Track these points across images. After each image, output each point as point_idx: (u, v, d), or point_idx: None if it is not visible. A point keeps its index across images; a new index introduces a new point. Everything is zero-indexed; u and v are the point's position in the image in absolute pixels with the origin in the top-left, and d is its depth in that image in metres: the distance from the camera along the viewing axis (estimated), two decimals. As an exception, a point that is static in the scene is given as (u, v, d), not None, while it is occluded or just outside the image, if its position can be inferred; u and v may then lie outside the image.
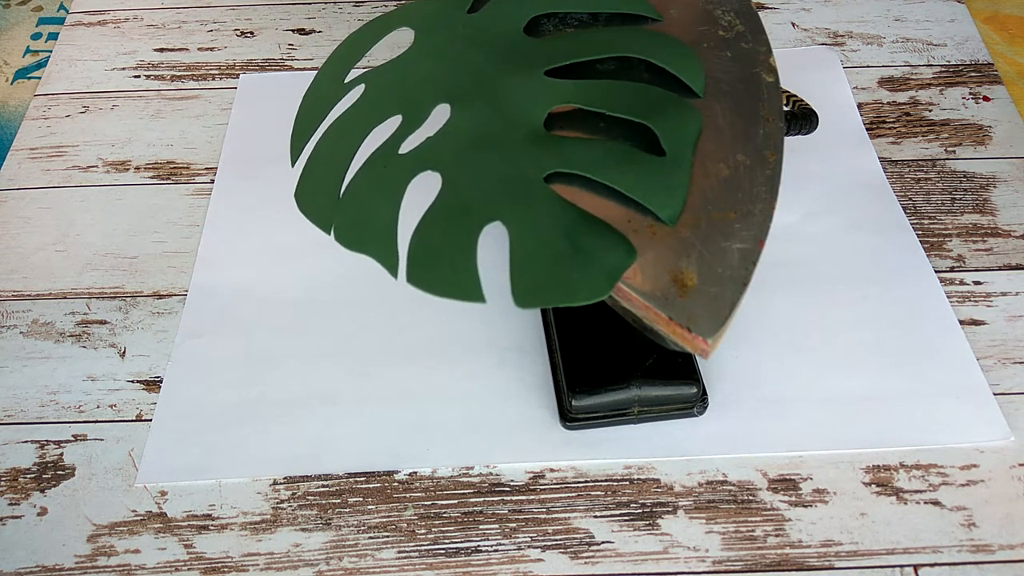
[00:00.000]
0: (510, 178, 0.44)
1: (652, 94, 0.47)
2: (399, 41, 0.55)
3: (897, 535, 0.49)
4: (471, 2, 0.53)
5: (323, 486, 0.52)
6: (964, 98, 0.71)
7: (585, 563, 0.48)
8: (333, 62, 0.54)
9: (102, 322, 0.59)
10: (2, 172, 0.68)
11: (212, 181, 0.67)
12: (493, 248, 0.45)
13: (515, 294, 0.41)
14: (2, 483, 0.52)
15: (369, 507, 0.51)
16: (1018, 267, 0.60)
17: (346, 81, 0.52)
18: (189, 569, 0.49)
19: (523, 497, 0.51)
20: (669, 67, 0.48)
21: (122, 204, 0.66)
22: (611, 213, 0.43)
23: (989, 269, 0.60)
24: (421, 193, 0.45)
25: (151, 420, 0.54)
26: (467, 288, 0.41)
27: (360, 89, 0.51)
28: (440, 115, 0.48)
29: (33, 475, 0.52)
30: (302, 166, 0.49)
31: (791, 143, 0.67)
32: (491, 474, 0.52)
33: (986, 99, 0.71)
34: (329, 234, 0.46)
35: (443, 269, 0.42)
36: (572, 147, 0.45)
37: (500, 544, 0.49)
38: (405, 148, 0.47)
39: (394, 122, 0.49)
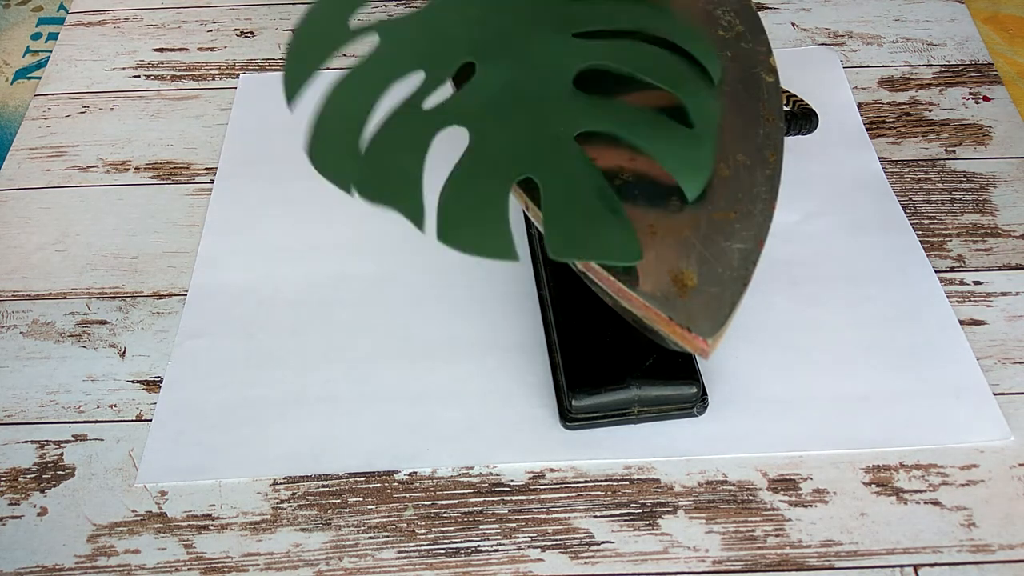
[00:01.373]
0: (540, 135, 0.44)
1: (681, 67, 0.46)
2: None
3: (897, 535, 0.49)
4: None
5: (323, 486, 0.52)
6: (964, 98, 0.71)
7: (585, 563, 0.48)
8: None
9: (102, 322, 0.59)
10: (2, 172, 0.68)
11: (212, 181, 0.67)
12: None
13: (550, 244, 0.40)
14: (2, 483, 0.52)
15: (369, 507, 0.51)
16: (1018, 267, 0.60)
17: (351, 26, 0.50)
18: (189, 569, 0.49)
19: (523, 497, 0.51)
20: (690, 49, 0.47)
21: (122, 204, 0.66)
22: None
23: (989, 269, 0.60)
24: (447, 150, 0.44)
25: (151, 420, 0.54)
26: (500, 246, 0.40)
27: (373, 41, 0.50)
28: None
29: (33, 475, 0.52)
30: (313, 122, 0.47)
31: (791, 143, 0.67)
32: (491, 474, 0.52)
33: (986, 99, 0.71)
34: (350, 192, 0.44)
35: (475, 227, 0.41)
36: (603, 106, 0.45)
37: (500, 544, 0.49)
38: (428, 104, 0.46)
39: (415, 78, 0.47)
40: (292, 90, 0.48)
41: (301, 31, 0.50)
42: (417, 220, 0.42)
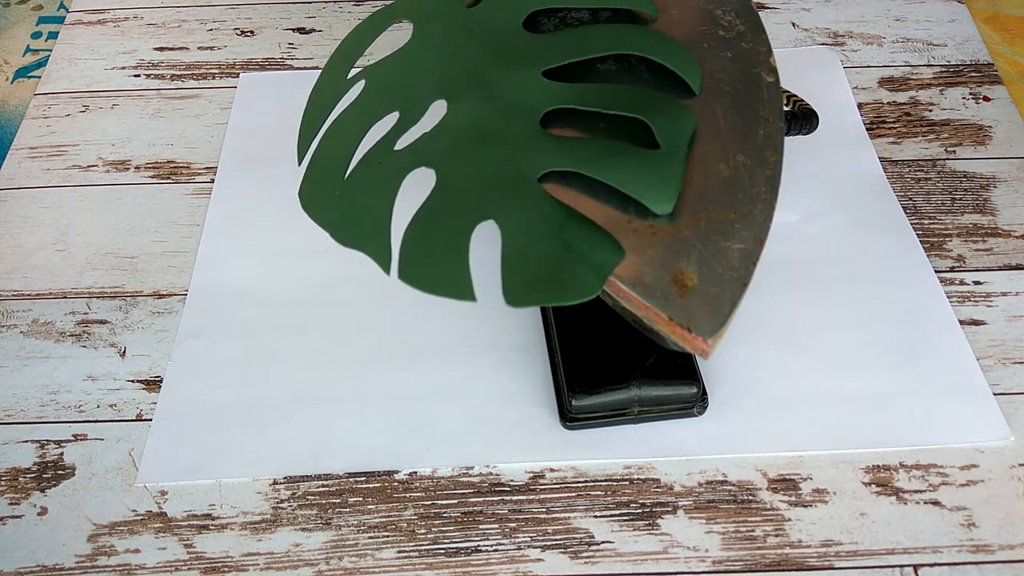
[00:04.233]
0: (504, 176, 0.44)
1: (647, 95, 0.47)
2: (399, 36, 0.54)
3: (897, 535, 0.49)
4: None
5: (323, 486, 0.52)
6: (964, 98, 0.71)
7: (585, 563, 0.48)
8: (336, 58, 0.54)
9: (102, 322, 0.59)
10: (2, 171, 0.68)
11: (212, 181, 0.67)
12: (489, 244, 0.45)
13: (506, 293, 0.41)
14: (2, 483, 0.52)
15: (369, 507, 0.51)
16: (1018, 267, 0.60)
17: (348, 77, 0.52)
18: (189, 569, 0.49)
19: (523, 497, 0.51)
20: (667, 63, 0.48)
21: (122, 204, 0.66)
22: (610, 215, 0.43)
23: (989, 269, 0.60)
24: (417, 189, 0.45)
25: (151, 420, 0.54)
26: (458, 286, 0.41)
27: (361, 85, 0.51)
28: (437, 111, 0.48)
29: (33, 475, 0.52)
30: (308, 164, 0.49)
31: (791, 143, 0.67)
32: (491, 474, 0.52)
33: (986, 99, 0.71)
34: (329, 232, 0.45)
35: (435, 266, 0.42)
36: (566, 145, 0.45)
37: (500, 544, 0.49)
38: (401, 144, 0.47)
39: (392, 118, 0.49)
40: (303, 150, 0.50)
41: (312, 94, 0.52)
42: (384, 263, 0.43)
